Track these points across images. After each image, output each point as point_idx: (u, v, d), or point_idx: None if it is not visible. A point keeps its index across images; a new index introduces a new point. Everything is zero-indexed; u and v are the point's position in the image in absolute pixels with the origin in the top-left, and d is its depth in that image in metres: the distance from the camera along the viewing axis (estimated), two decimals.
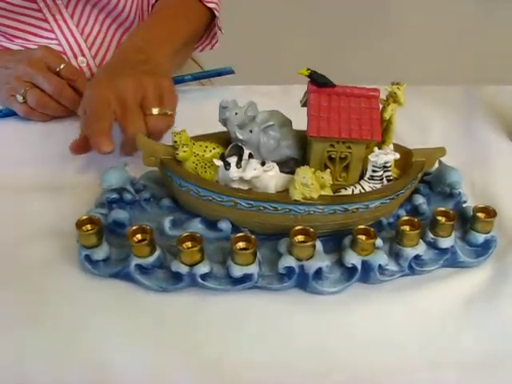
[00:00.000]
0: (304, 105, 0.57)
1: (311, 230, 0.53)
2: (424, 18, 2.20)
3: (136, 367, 0.48)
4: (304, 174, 0.52)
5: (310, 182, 0.52)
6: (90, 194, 0.62)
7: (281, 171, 0.55)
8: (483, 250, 0.57)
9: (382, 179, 0.56)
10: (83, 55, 0.87)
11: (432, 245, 0.56)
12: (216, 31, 0.93)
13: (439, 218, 0.55)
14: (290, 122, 0.59)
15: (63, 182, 0.66)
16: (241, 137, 0.56)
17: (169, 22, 0.82)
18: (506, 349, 0.50)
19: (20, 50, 0.83)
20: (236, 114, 0.56)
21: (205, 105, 0.72)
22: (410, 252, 0.54)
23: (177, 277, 0.53)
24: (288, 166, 0.57)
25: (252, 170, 0.53)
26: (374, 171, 0.55)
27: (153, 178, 0.62)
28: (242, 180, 0.54)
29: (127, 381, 0.48)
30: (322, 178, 0.53)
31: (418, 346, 0.50)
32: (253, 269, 0.52)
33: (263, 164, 0.54)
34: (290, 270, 0.53)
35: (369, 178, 0.56)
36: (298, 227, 0.53)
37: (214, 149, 0.58)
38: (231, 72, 0.84)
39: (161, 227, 0.57)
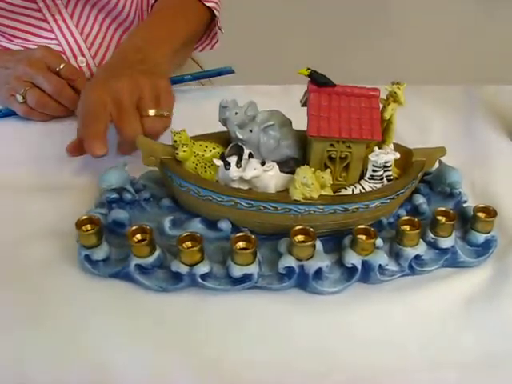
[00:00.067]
0: (304, 104, 0.57)
1: (311, 229, 0.53)
2: (424, 17, 2.20)
3: (136, 367, 0.48)
4: (304, 173, 0.52)
5: (310, 182, 0.52)
6: (90, 194, 0.62)
7: (281, 171, 0.55)
8: (483, 249, 0.57)
9: (382, 179, 0.56)
10: (83, 55, 0.87)
11: (432, 245, 0.56)
12: (216, 31, 0.93)
13: (439, 217, 0.55)
14: (290, 122, 0.58)
15: (63, 181, 0.66)
16: (241, 136, 0.56)
17: (168, 22, 0.82)
18: (507, 349, 0.50)
19: (20, 49, 0.83)
20: (236, 113, 0.56)
21: (205, 104, 0.72)
22: (410, 252, 0.54)
23: (177, 277, 0.53)
24: (288, 166, 0.57)
25: (252, 169, 0.53)
26: (374, 171, 0.55)
27: (153, 177, 0.62)
28: (242, 180, 0.53)
29: (127, 381, 0.48)
30: (322, 177, 0.53)
31: (418, 346, 0.50)
32: (253, 269, 0.52)
33: (263, 164, 0.53)
34: (289, 269, 0.53)
35: (369, 178, 0.56)
36: (298, 227, 0.53)
37: (213, 148, 0.58)
38: (231, 72, 0.84)
39: (161, 227, 0.57)
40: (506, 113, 0.78)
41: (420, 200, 0.60)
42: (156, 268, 0.54)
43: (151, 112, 0.66)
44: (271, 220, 0.55)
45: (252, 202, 0.53)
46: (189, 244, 0.52)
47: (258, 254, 0.53)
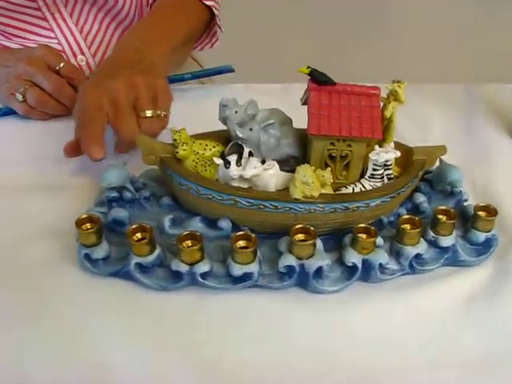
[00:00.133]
0: (304, 103, 0.57)
1: (311, 228, 0.53)
2: (424, 18, 2.20)
3: (136, 367, 0.48)
4: (304, 172, 0.52)
5: (310, 181, 0.52)
6: (89, 193, 0.62)
7: (281, 169, 0.55)
8: (484, 248, 0.57)
9: (382, 177, 0.56)
10: (83, 54, 0.87)
11: (433, 243, 0.56)
12: (216, 30, 0.92)
13: (440, 216, 0.55)
14: (291, 121, 0.58)
15: (63, 180, 0.66)
16: (241, 135, 0.56)
17: (167, 20, 0.81)
18: (507, 347, 0.50)
19: (19, 48, 0.83)
20: (236, 112, 0.56)
21: (205, 103, 0.72)
22: (410, 251, 0.54)
23: (177, 276, 0.53)
24: (288, 165, 0.57)
25: (252, 168, 0.53)
26: (374, 169, 0.55)
27: (153, 176, 0.62)
28: (242, 178, 0.53)
29: (127, 381, 0.47)
30: (323, 176, 0.53)
31: (418, 346, 0.50)
32: (253, 267, 0.52)
33: (263, 162, 0.53)
34: (290, 268, 0.53)
35: (369, 177, 0.56)
36: (298, 226, 0.53)
37: (214, 147, 0.58)
38: (231, 70, 0.83)
39: (161, 226, 0.57)
40: (507, 111, 0.78)
41: (420, 199, 0.60)
42: (156, 267, 0.54)
43: (148, 113, 0.66)
44: (271, 219, 0.54)
45: (252, 201, 0.53)
46: (189, 243, 0.52)
47: (258, 253, 0.53)
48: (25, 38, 0.83)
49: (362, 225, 0.54)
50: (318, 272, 0.53)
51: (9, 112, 0.77)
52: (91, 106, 0.64)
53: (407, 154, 0.58)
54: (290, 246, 0.53)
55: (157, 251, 0.53)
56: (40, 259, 0.56)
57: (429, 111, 0.79)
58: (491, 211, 0.56)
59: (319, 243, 0.54)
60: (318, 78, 0.55)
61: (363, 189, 0.56)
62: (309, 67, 0.55)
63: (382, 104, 0.56)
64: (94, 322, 0.51)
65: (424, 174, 0.61)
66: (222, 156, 0.54)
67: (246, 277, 0.52)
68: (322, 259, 0.53)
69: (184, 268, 0.52)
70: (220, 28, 0.92)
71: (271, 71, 1.25)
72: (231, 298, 0.53)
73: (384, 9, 2.35)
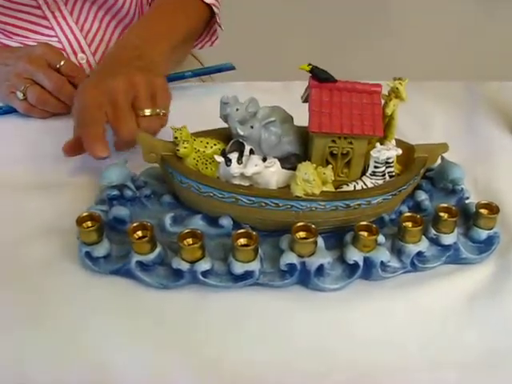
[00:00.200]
0: (305, 100, 0.57)
1: (313, 226, 0.52)
2: (424, 17, 2.20)
3: (136, 367, 0.48)
4: (306, 169, 0.52)
5: (311, 178, 0.52)
6: (89, 192, 0.62)
7: (282, 167, 0.55)
8: (486, 246, 0.57)
9: (384, 175, 0.55)
10: (83, 52, 0.87)
11: (434, 241, 0.55)
12: (216, 28, 0.92)
13: (442, 214, 0.55)
14: (292, 118, 0.58)
15: (62, 179, 0.66)
16: (242, 133, 0.55)
17: (167, 18, 0.81)
18: (509, 345, 0.50)
19: (20, 46, 0.83)
20: (237, 110, 0.56)
21: (205, 101, 0.72)
22: (412, 248, 0.54)
23: (178, 274, 0.52)
24: (289, 162, 0.57)
25: (253, 166, 0.52)
26: (376, 167, 0.55)
27: (153, 174, 0.62)
28: (243, 176, 0.53)
29: (127, 381, 0.47)
30: (324, 173, 0.53)
31: (418, 346, 0.50)
32: (254, 265, 0.52)
33: (264, 160, 0.53)
34: (291, 266, 0.52)
35: (371, 174, 0.55)
36: (299, 223, 0.53)
37: (214, 145, 0.58)
38: (232, 68, 0.83)
39: (161, 224, 0.56)
40: (509, 109, 0.78)
41: (422, 196, 0.60)
42: (157, 265, 0.53)
43: (147, 111, 0.66)
44: (273, 216, 0.54)
45: (253, 199, 0.53)
46: (190, 241, 0.52)
47: (259, 251, 0.53)
48: (25, 37, 0.83)
49: (364, 222, 0.53)
50: (320, 270, 0.53)
51: (9, 110, 0.77)
52: (91, 105, 0.64)
53: (409, 152, 0.58)
54: (292, 244, 0.53)
55: (158, 249, 0.53)
56: (40, 258, 0.56)
57: (430, 109, 0.79)
58: (493, 209, 0.56)
59: (320, 241, 0.54)
60: (319, 76, 0.55)
61: (364, 186, 0.55)
62: (310, 64, 0.54)
63: (383, 101, 0.56)
64: (94, 321, 0.51)
65: (425, 172, 0.61)
66: (223, 154, 0.54)
67: (247, 275, 0.52)
68: (324, 257, 0.52)
69: (185, 266, 0.52)
70: (220, 26, 0.92)
71: (272, 69, 1.25)
72: (232, 296, 0.53)
73: (385, 7, 2.35)
